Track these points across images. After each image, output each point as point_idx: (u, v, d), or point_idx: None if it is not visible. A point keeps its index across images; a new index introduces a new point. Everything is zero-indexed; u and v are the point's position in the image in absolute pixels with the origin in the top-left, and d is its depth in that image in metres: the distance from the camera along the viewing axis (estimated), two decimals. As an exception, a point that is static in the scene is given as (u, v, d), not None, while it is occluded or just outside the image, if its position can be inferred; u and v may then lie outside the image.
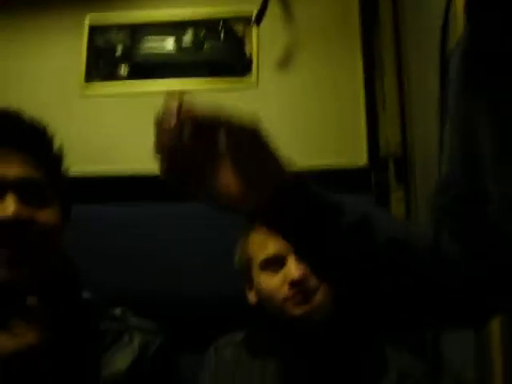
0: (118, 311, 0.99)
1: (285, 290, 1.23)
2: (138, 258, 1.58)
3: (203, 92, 1.89)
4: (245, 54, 1.96)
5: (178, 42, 2.00)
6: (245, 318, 1.35)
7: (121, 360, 0.91)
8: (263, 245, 1.29)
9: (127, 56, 2.01)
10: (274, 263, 1.27)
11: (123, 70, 1.99)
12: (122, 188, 1.78)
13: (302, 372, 1.23)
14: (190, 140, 0.55)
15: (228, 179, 0.59)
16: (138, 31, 2.02)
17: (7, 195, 0.86)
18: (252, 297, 1.34)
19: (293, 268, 1.23)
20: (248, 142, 0.58)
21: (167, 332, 0.99)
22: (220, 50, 1.98)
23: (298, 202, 0.60)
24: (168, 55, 2.00)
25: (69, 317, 0.91)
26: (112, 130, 1.91)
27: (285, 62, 1.89)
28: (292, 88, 1.88)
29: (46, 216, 0.89)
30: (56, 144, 0.98)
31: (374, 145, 1.80)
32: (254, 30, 1.93)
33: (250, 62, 1.94)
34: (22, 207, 0.86)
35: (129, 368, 0.90)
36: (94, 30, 2.02)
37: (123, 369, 0.90)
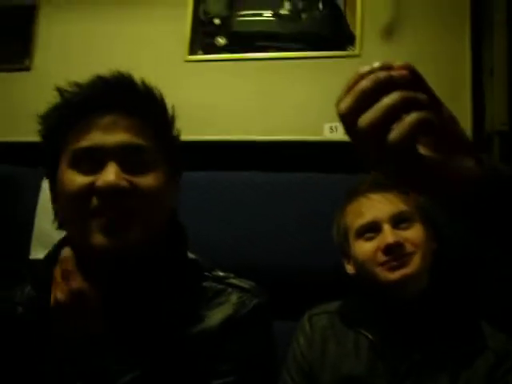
0: (220, 273, 1.01)
1: (379, 256, 1.24)
2: (236, 222, 1.61)
3: (307, 63, 1.90)
4: (344, 25, 1.93)
5: (276, 13, 1.98)
6: (339, 289, 1.37)
7: (214, 317, 0.92)
8: (359, 213, 1.31)
9: (225, 27, 2.02)
10: (370, 230, 1.28)
11: (221, 41, 2.01)
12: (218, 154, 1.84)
13: (395, 347, 1.23)
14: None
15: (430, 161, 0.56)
16: (235, 2, 2.02)
17: (108, 163, 0.88)
18: (350, 268, 1.36)
19: (388, 234, 1.24)
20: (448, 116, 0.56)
21: (267, 293, 0.99)
22: (319, 22, 1.95)
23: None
24: (265, 25, 1.99)
25: (172, 274, 0.95)
26: (215, 96, 1.95)
27: (388, 33, 1.84)
28: (395, 60, 1.83)
29: (148, 182, 0.90)
30: (166, 107, 0.99)
31: (479, 119, 1.73)
32: (358, 1, 1.90)
33: (350, 34, 1.91)
34: (123, 175, 0.88)
35: (220, 325, 0.91)
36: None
37: (215, 325, 0.91)
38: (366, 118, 0.53)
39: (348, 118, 0.54)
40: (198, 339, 0.90)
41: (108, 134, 0.90)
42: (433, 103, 0.55)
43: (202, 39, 2.02)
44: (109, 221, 0.87)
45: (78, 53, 2.03)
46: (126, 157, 0.90)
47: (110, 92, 0.93)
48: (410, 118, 0.52)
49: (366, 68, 0.55)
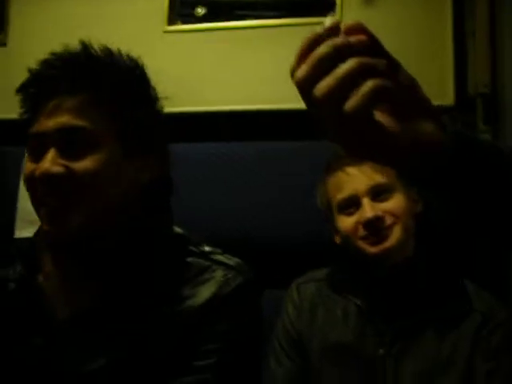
0: (207, 248, 0.98)
1: (360, 230, 1.26)
2: (225, 194, 1.60)
3: (287, 30, 1.88)
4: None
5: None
6: (328, 257, 1.38)
7: (198, 295, 0.90)
8: (339, 187, 1.31)
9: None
10: (350, 205, 1.29)
11: (200, 11, 1.97)
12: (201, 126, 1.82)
13: (382, 312, 1.25)
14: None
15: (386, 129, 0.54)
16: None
17: (49, 150, 0.86)
18: (337, 238, 1.37)
19: (367, 209, 1.25)
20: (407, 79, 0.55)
21: (253, 270, 0.96)
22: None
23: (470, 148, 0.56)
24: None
25: (153, 252, 0.94)
26: (195, 67, 1.92)
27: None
28: (377, 26, 1.81)
29: (85, 165, 0.86)
30: (132, 80, 0.93)
31: (462, 83, 1.72)
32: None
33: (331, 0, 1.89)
34: (60, 160, 0.85)
35: (204, 303, 0.89)
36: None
37: (198, 304, 0.89)
38: (321, 87, 0.51)
39: (305, 86, 0.52)
40: (180, 319, 0.88)
41: (50, 119, 0.87)
42: (390, 67, 0.53)
43: (181, 9, 1.99)
44: (50, 209, 0.86)
45: (54, 27, 1.98)
46: (65, 141, 0.87)
47: (58, 72, 0.89)
48: (366, 85, 0.51)
49: (317, 31, 0.53)
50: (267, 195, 1.59)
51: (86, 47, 0.92)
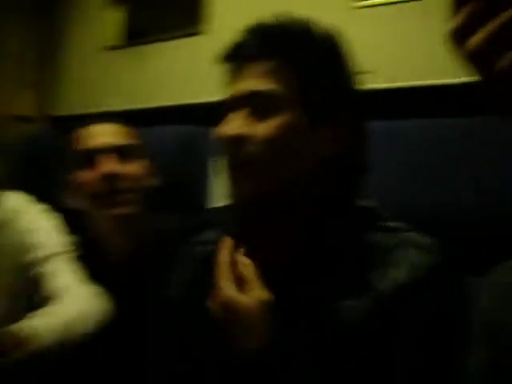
0: (394, 224, 0.91)
1: None
2: (414, 172, 1.52)
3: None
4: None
5: None
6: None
7: (388, 278, 0.83)
8: None
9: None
10: None
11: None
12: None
13: None
14: None
15: None
16: None
17: (236, 112, 0.88)
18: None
19: None
20: None
21: (448, 251, 0.87)
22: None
23: None
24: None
25: (336, 225, 0.90)
26: (382, 43, 1.85)
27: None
28: None
29: (269, 128, 0.86)
30: (324, 49, 0.93)
31: None
32: None
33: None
34: (242, 123, 0.87)
35: (395, 290, 0.82)
36: None
37: (389, 290, 0.82)
38: (473, 41, 0.45)
39: (457, 40, 0.46)
40: (369, 304, 0.82)
41: (240, 83, 0.90)
42: None
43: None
44: (232, 172, 0.88)
45: (247, 7, 2.05)
46: (252, 104, 0.88)
47: (251, 39, 0.92)
48: None
49: None
50: (467, 173, 1.47)
51: (280, 18, 0.93)
